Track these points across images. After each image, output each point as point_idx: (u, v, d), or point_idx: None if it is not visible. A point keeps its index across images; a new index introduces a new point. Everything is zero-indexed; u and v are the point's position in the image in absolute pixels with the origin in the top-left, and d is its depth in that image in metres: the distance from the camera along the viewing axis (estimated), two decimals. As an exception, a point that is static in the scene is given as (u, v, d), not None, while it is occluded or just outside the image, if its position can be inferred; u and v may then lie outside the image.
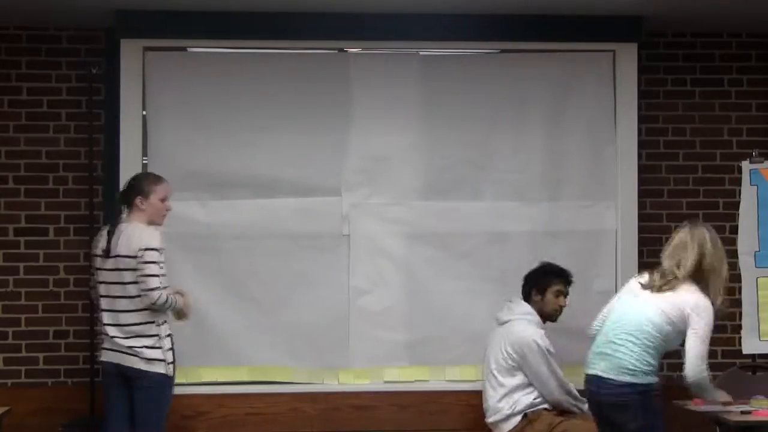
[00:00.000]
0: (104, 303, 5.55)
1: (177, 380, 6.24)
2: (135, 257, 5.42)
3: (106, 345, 5.58)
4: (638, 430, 4.94)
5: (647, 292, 5.06)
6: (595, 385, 5.05)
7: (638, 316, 5.00)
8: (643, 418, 4.94)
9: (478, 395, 6.18)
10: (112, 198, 6.35)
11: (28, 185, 6.50)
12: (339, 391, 6.43)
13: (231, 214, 6.42)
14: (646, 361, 4.96)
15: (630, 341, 4.96)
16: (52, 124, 6.52)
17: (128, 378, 5.53)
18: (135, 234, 5.48)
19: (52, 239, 6.49)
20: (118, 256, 5.48)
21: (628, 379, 4.94)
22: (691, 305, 4.94)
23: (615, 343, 5.00)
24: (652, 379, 4.98)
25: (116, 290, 5.50)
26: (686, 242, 5.05)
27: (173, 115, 6.42)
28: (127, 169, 6.25)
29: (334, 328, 6.44)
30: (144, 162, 6.35)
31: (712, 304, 4.98)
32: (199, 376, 6.34)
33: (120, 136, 6.35)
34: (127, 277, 5.46)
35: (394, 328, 6.48)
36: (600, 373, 5.01)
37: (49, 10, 6.25)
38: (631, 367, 4.94)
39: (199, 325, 6.27)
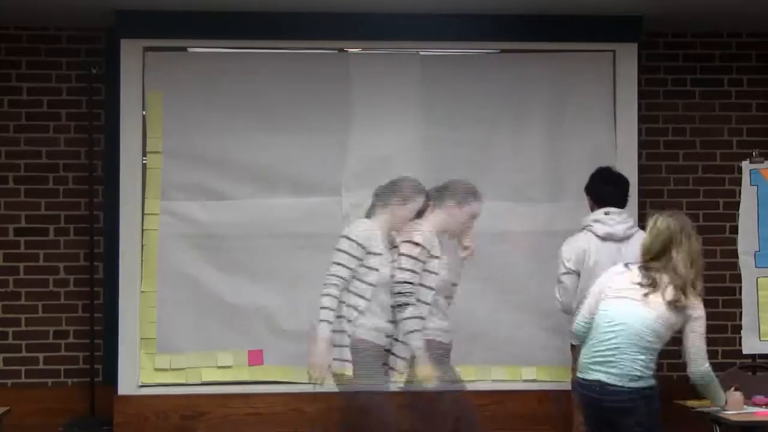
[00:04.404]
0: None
1: (177, 380, 6.27)
2: None
3: None
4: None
5: (636, 291, 4.91)
6: (596, 392, 4.91)
7: (638, 322, 4.86)
8: (647, 420, 4.87)
9: (478, 395, 6.17)
10: (112, 198, 6.36)
11: (28, 185, 6.50)
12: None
13: (231, 214, 6.41)
14: (650, 366, 4.88)
15: (634, 349, 4.84)
16: (52, 124, 6.52)
17: None
18: None
19: (52, 239, 6.49)
20: None
21: (634, 384, 4.84)
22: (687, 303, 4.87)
23: (618, 349, 4.85)
24: (654, 381, 4.92)
25: None
26: (670, 235, 4.92)
27: (173, 116, 6.41)
28: (127, 169, 6.27)
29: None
30: (144, 162, 6.35)
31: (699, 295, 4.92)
32: (199, 376, 6.34)
33: (120, 136, 6.35)
34: None
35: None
36: (604, 379, 4.88)
37: (49, 10, 6.25)
38: (638, 373, 4.84)
39: (200, 325, 6.29)
